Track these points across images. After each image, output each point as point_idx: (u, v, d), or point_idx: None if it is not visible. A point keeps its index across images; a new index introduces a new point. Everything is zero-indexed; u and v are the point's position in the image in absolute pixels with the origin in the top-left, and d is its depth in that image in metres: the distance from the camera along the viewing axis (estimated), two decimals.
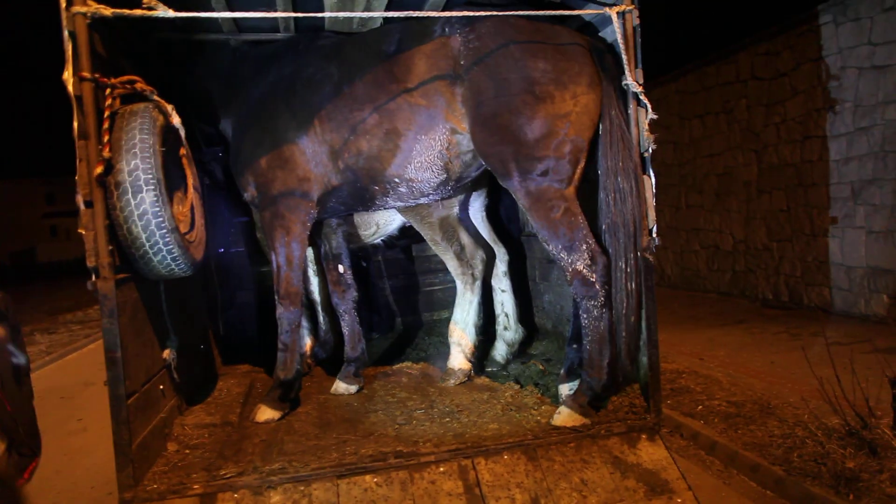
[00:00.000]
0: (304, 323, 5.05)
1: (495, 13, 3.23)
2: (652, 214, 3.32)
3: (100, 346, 2.95)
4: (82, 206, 2.81)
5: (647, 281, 3.35)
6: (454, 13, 3.19)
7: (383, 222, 4.81)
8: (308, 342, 5.01)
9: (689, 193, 11.38)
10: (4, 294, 2.49)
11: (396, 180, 3.79)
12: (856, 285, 7.97)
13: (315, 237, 4.59)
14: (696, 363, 6.90)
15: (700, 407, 5.27)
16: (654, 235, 3.33)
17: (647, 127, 3.27)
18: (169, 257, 3.10)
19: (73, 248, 48.03)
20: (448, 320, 5.19)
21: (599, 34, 3.73)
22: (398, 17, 3.14)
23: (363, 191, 3.91)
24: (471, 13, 3.16)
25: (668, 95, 11.58)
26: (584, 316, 3.39)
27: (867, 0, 7.49)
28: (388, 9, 3.72)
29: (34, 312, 16.32)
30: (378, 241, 5.06)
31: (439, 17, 3.45)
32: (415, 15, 3.08)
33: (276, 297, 3.89)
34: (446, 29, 3.54)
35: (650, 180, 3.32)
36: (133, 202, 2.90)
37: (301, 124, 3.78)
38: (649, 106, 3.26)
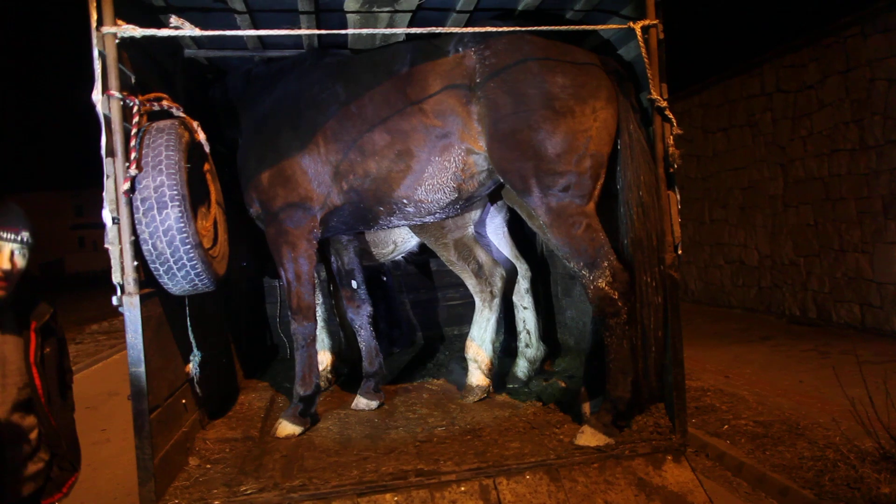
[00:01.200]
0: (325, 338, 5.05)
1: (517, 29, 3.23)
2: (677, 230, 3.28)
3: (124, 356, 2.97)
4: (109, 223, 2.85)
5: (671, 298, 3.30)
6: (476, 29, 3.19)
7: (401, 240, 4.81)
8: (329, 357, 5.01)
9: (713, 207, 11.23)
10: (53, 309, 2.53)
11: (404, 201, 3.76)
12: (888, 302, 7.77)
13: (327, 253, 4.60)
14: (722, 381, 6.77)
15: (726, 426, 5.16)
16: (680, 252, 3.28)
17: (671, 142, 3.23)
18: (192, 273, 3.12)
19: (99, 259, 48.96)
20: (466, 334, 5.14)
21: (618, 52, 3.71)
22: (421, 34, 3.15)
23: (366, 211, 3.89)
24: (492, 29, 3.17)
25: (691, 108, 11.48)
26: (607, 334, 3.34)
27: None
28: (410, 25, 3.74)
29: (63, 322, 16.57)
30: (398, 257, 5.06)
31: (452, 35, 3.45)
32: (438, 31, 3.09)
33: (289, 313, 3.89)
34: (460, 47, 3.53)
35: (676, 196, 3.28)
36: (158, 218, 2.93)
37: (304, 143, 3.75)
38: (674, 121, 3.22)
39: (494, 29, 3.16)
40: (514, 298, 4.66)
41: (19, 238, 2.30)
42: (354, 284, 4.46)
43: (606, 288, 3.30)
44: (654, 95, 3.21)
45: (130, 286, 2.85)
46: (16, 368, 2.35)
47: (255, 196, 3.93)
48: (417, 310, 6.55)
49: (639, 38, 3.19)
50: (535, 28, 3.21)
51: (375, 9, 3.55)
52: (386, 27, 3.76)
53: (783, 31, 9.77)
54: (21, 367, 2.36)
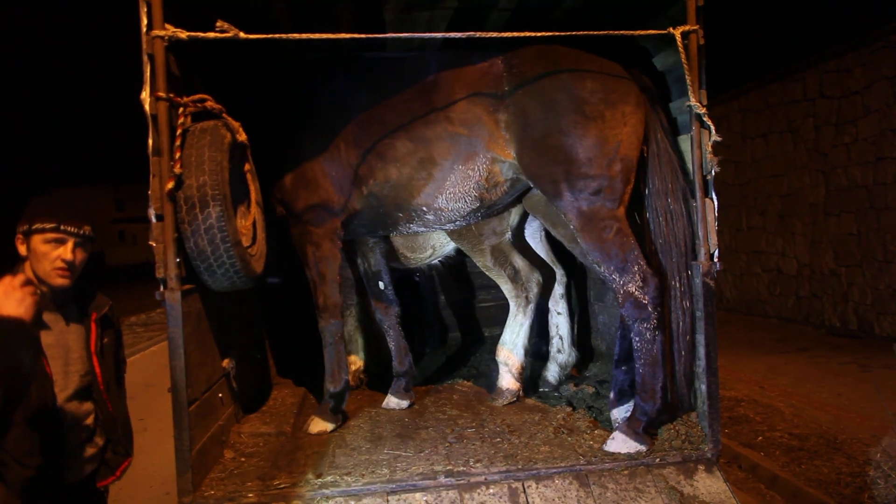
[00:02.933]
0: (359, 337, 5.10)
1: (554, 34, 3.22)
2: (714, 238, 3.23)
3: (162, 348, 3.09)
4: (153, 220, 2.94)
5: (707, 306, 3.25)
6: (514, 34, 3.18)
7: (439, 244, 4.82)
8: (361, 356, 5.06)
9: (750, 214, 11.02)
10: (111, 302, 2.67)
11: (424, 209, 3.77)
12: None
13: (354, 255, 4.64)
14: (756, 391, 6.65)
15: (760, 438, 5.07)
16: (716, 260, 3.24)
17: (710, 149, 3.20)
18: (231, 270, 3.19)
19: (138, 253, 50.28)
20: (498, 336, 5.11)
21: (653, 60, 3.69)
22: (459, 38, 3.16)
23: (385, 217, 3.91)
24: (527, 34, 3.16)
25: (729, 113, 11.29)
26: (637, 339, 3.33)
27: None
28: (449, 27, 3.76)
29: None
30: (436, 262, 5.08)
31: (478, 41, 3.45)
32: (477, 36, 3.11)
33: (316, 311, 3.95)
34: (487, 55, 3.54)
35: (713, 203, 3.23)
36: (200, 216, 3.01)
37: (325, 147, 3.79)
38: (713, 128, 3.18)
39: (528, 34, 3.15)
40: (549, 303, 4.65)
41: (81, 232, 2.46)
42: (382, 285, 4.50)
43: (636, 293, 3.28)
44: (694, 101, 3.17)
45: (173, 282, 2.94)
46: (78, 357, 2.51)
47: (279, 196, 3.99)
48: (449, 311, 6.57)
49: (678, 43, 3.15)
50: (571, 33, 3.20)
51: (414, 12, 3.57)
52: (425, 30, 3.79)
53: (827, 36, 9.54)
54: (83, 355, 2.52)
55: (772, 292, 10.59)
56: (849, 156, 8.79)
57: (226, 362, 3.71)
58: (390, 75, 3.80)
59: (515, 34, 3.16)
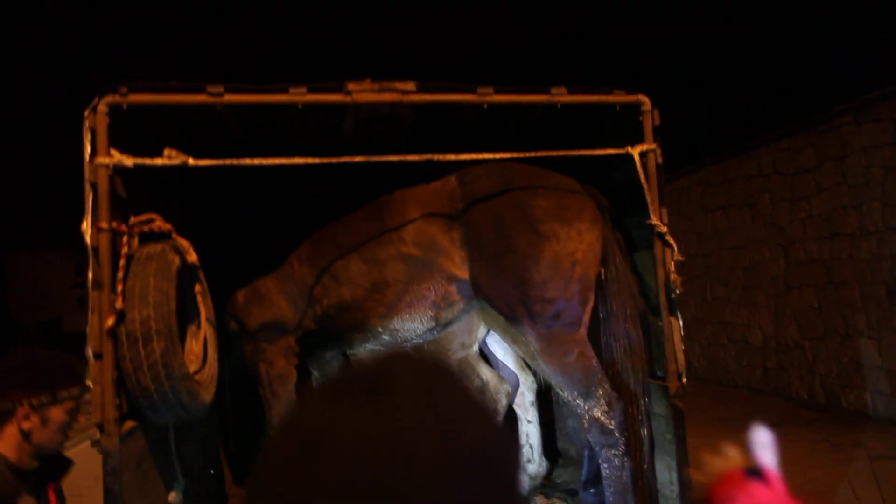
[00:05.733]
0: None
1: (510, 156, 3.20)
2: (681, 358, 3.17)
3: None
4: (91, 360, 2.74)
5: (677, 429, 3.15)
6: (472, 156, 3.15)
7: None
8: None
9: (714, 285, 11.15)
10: (72, 463, 2.37)
11: (380, 329, 3.65)
12: None
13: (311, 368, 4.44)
14: None
15: None
16: (684, 381, 3.16)
17: (673, 268, 3.16)
18: (178, 405, 2.99)
19: None
20: None
21: (612, 172, 3.69)
22: (417, 160, 3.11)
23: (340, 336, 3.78)
24: (487, 156, 3.13)
25: (689, 186, 11.56)
26: (605, 465, 3.20)
27: (888, 102, 7.47)
28: (407, 139, 3.72)
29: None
30: None
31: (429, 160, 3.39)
32: (435, 159, 3.06)
33: (270, 433, 3.72)
34: (440, 169, 3.49)
35: (678, 322, 3.18)
36: (143, 352, 2.82)
37: (279, 263, 3.67)
38: (675, 246, 3.16)
39: (486, 156, 3.13)
40: (518, 411, 4.50)
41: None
42: None
43: (602, 418, 3.17)
44: (655, 221, 3.16)
45: (111, 426, 2.72)
46: None
47: (231, 312, 3.82)
48: None
49: (637, 163, 3.16)
50: (528, 154, 3.19)
51: (373, 126, 3.53)
52: (384, 139, 3.75)
53: (780, 115, 9.94)
54: None
55: (739, 363, 10.60)
56: (805, 231, 9.00)
57: (171, 496, 3.44)
58: (342, 188, 3.72)
59: (473, 156, 3.13)
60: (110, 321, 2.75)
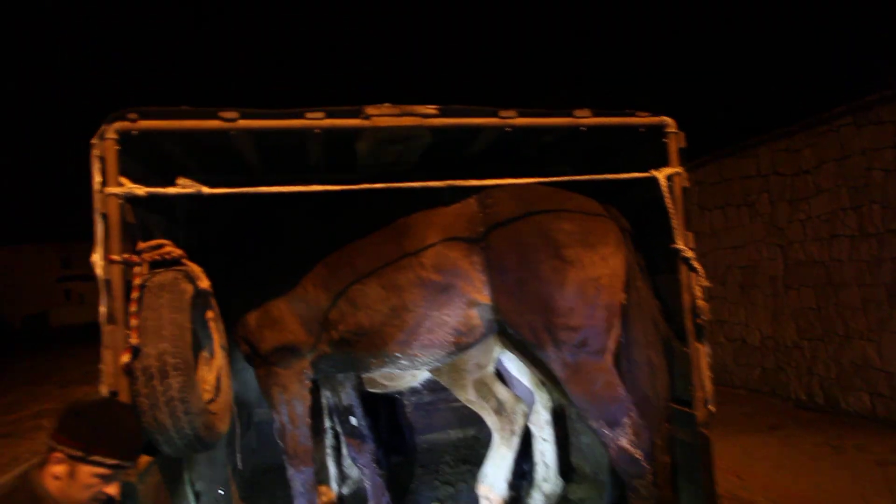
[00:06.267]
0: (331, 466, 4.77)
1: (535, 180, 3.12)
2: (708, 385, 3.12)
3: None
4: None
5: (704, 458, 3.11)
6: (493, 181, 3.06)
7: (419, 372, 4.60)
8: (333, 486, 4.72)
9: (712, 284, 11.15)
10: None
11: (398, 355, 3.55)
12: None
13: (325, 389, 4.36)
14: (735, 483, 6.50)
15: None
16: (712, 408, 3.11)
17: (700, 294, 3.11)
18: (195, 439, 2.90)
19: (85, 313, 48.27)
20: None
21: (629, 192, 3.62)
22: (436, 186, 3.01)
23: (357, 362, 3.68)
24: (510, 181, 3.05)
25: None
26: (632, 496, 3.14)
27: (890, 105, 7.46)
28: (421, 159, 3.63)
29: (43, 384, 16.04)
30: (417, 385, 4.84)
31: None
32: (456, 184, 2.98)
33: (284, 458, 3.65)
34: (460, 195, 3.40)
35: (705, 348, 3.13)
36: (160, 388, 2.72)
37: (292, 286, 3.56)
38: (701, 271, 3.10)
39: (508, 181, 3.04)
40: (534, 429, 4.44)
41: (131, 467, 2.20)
42: (354, 421, 4.21)
43: (630, 447, 3.11)
44: (680, 245, 3.10)
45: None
46: None
47: (242, 334, 3.70)
48: (419, 413, 6.30)
49: (662, 186, 3.09)
50: (551, 179, 3.11)
51: (388, 145, 3.44)
52: (396, 160, 3.66)
53: (779, 115, 9.92)
54: None
55: (737, 363, 10.64)
56: (804, 231, 9.00)
57: None
58: (360, 211, 3.61)
59: (494, 181, 3.05)
60: (125, 357, 2.65)
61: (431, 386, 6.19)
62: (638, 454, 3.09)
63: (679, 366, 3.30)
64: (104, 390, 2.65)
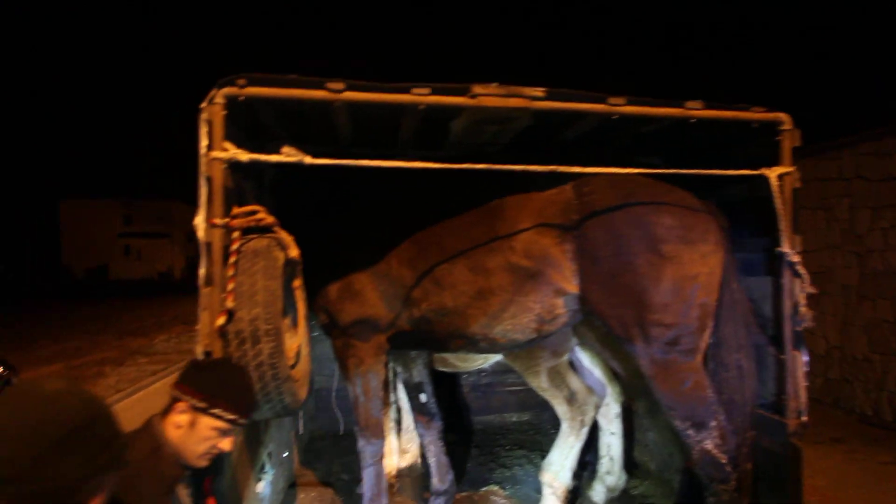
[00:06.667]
0: (393, 439, 4.82)
1: (636, 171, 3.01)
2: (803, 395, 2.98)
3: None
4: (201, 357, 2.70)
5: (793, 469, 2.99)
6: (592, 169, 2.95)
7: (492, 356, 4.57)
8: (394, 461, 4.77)
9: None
10: None
11: (478, 338, 3.49)
12: None
13: (395, 364, 4.38)
14: None
15: None
16: (805, 419, 2.98)
17: (803, 301, 2.96)
18: (279, 405, 2.95)
19: (141, 268, 50.38)
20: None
21: (725, 189, 3.45)
22: (530, 168, 2.94)
23: (436, 341, 3.64)
24: (609, 170, 2.94)
25: None
26: (712, 500, 3.05)
27: None
28: (513, 140, 3.55)
29: (101, 334, 16.79)
30: (486, 367, 4.83)
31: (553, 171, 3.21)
32: (554, 169, 2.90)
33: (356, 429, 3.68)
34: (556, 181, 3.30)
35: (804, 357, 2.99)
36: (251, 352, 2.77)
37: (376, 262, 3.54)
38: (807, 277, 2.95)
39: (607, 170, 2.94)
40: (602, 421, 4.37)
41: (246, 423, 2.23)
42: (423, 398, 4.21)
43: (715, 451, 3.01)
44: (787, 249, 2.95)
45: None
46: None
47: (321, 304, 3.71)
48: (476, 394, 6.30)
49: (773, 186, 2.94)
50: (655, 171, 2.99)
51: (484, 125, 3.37)
52: (490, 140, 3.59)
53: (862, 118, 9.40)
54: None
55: None
56: (886, 241, 8.55)
57: (260, 486, 3.45)
58: (450, 192, 3.54)
59: (597, 169, 2.94)
60: (221, 319, 2.70)
61: (493, 368, 6.18)
62: (723, 459, 2.99)
63: (768, 371, 3.16)
64: (199, 350, 2.71)
